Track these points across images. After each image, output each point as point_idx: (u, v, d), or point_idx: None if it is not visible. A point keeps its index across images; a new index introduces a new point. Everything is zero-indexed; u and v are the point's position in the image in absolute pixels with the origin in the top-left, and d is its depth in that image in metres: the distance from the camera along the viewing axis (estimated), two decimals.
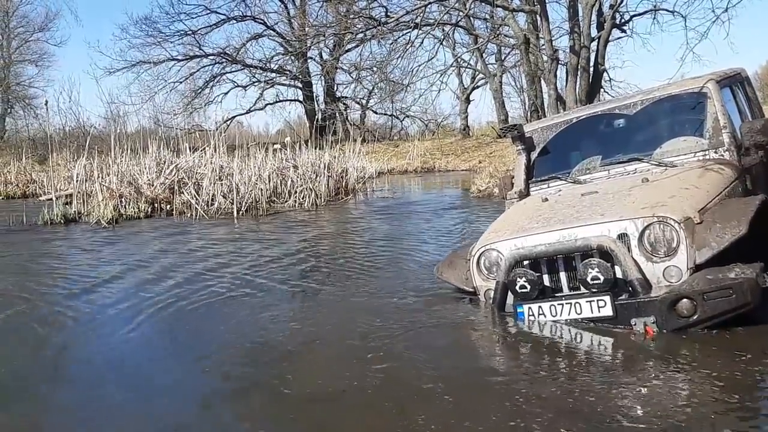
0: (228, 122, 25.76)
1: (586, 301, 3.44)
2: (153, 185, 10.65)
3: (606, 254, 3.39)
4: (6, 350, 3.93)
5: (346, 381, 3.05)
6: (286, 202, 11.21)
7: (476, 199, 11.36)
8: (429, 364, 3.19)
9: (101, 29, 55.41)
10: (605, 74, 15.67)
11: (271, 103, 28.81)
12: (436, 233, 7.65)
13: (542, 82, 16.18)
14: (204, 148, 11.59)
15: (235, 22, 26.99)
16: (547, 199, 4.23)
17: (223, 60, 27.14)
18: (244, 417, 2.79)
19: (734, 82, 4.84)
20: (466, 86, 28.07)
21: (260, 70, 27.89)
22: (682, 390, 2.68)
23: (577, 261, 3.50)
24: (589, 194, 4.02)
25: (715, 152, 4.17)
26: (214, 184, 10.58)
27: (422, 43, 15.75)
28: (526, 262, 3.62)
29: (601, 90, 15.35)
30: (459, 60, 24.61)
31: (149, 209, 10.26)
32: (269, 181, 11.26)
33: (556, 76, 14.14)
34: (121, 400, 3.08)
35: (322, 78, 28.20)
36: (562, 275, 3.58)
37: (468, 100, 28.07)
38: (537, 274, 3.57)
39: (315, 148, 14.02)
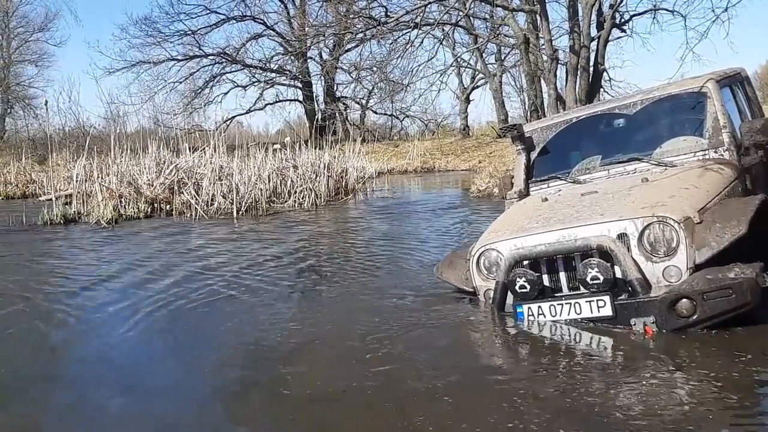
0: (228, 122, 25.77)
1: (586, 301, 3.44)
2: (153, 185, 10.64)
3: (606, 254, 3.39)
4: (6, 349, 3.93)
5: (345, 381, 3.05)
6: (285, 202, 11.21)
7: (476, 199, 11.36)
8: (429, 364, 3.19)
9: (101, 29, 55.47)
10: (605, 74, 15.68)
11: (270, 103, 28.85)
12: (435, 233, 7.65)
13: (542, 81, 16.18)
14: (204, 148, 11.59)
15: (234, 22, 27.04)
16: (546, 199, 4.23)
17: (223, 60, 27.15)
18: (243, 417, 2.79)
19: (734, 81, 4.84)
20: (466, 86, 28.07)
21: (260, 70, 27.90)
22: (681, 390, 2.68)
23: (576, 261, 3.50)
24: (588, 194, 4.02)
25: (715, 152, 4.17)
26: (214, 184, 10.58)
27: (422, 43, 15.78)
28: (525, 262, 3.62)
29: (601, 90, 15.35)
30: (459, 60, 24.62)
31: (149, 209, 10.26)
32: (269, 181, 11.26)
33: (555, 75, 14.15)
34: (120, 399, 3.09)
35: (322, 78, 28.23)
36: (562, 275, 3.58)
37: (468, 100, 28.07)
38: (537, 274, 3.57)
39: (315, 148, 14.02)
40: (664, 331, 3.24)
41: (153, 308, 4.66)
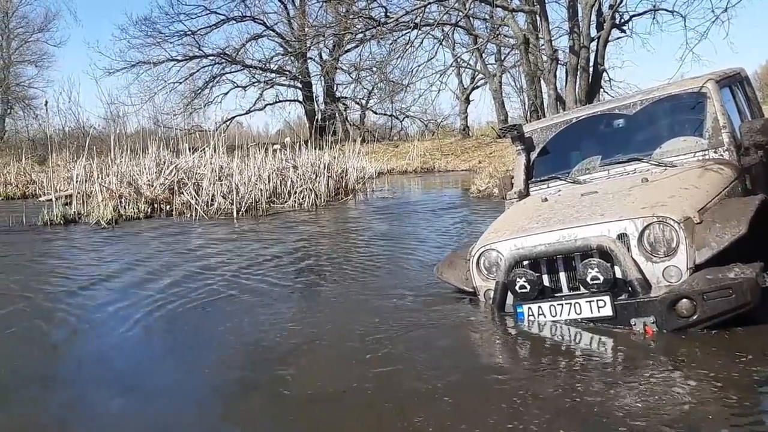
0: (228, 122, 25.75)
1: (586, 301, 3.44)
2: (153, 186, 10.64)
3: (606, 254, 3.39)
4: (7, 349, 3.94)
5: (345, 381, 3.05)
6: (285, 202, 11.21)
7: (476, 199, 11.36)
8: (429, 364, 3.19)
9: (101, 30, 55.47)
10: (605, 74, 15.70)
11: (270, 104, 28.85)
12: (435, 233, 7.66)
13: (542, 82, 16.19)
14: (204, 149, 11.60)
15: (234, 22, 27.05)
16: (546, 199, 4.23)
17: (223, 60, 27.15)
18: (243, 417, 2.79)
19: (734, 81, 4.84)
20: (465, 86, 28.06)
21: (260, 70, 27.91)
22: (681, 390, 2.68)
23: (576, 261, 3.50)
24: (588, 194, 4.02)
25: (715, 152, 4.17)
26: (214, 184, 10.58)
27: (422, 43, 15.79)
28: (525, 262, 3.62)
29: (601, 90, 15.36)
30: (459, 60, 24.61)
31: (149, 210, 10.26)
32: (269, 182, 11.26)
33: (555, 76, 14.16)
34: (120, 399, 3.09)
35: (322, 78, 28.24)
36: (562, 275, 3.58)
37: (468, 100, 28.07)
38: (537, 274, 3.57)
39: (315, 149, 14.02)
40: (664, 331, 3.24)
41: (153, 308, 4.66)
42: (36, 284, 5.59)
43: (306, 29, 22.31)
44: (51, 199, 10.30)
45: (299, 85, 28.59)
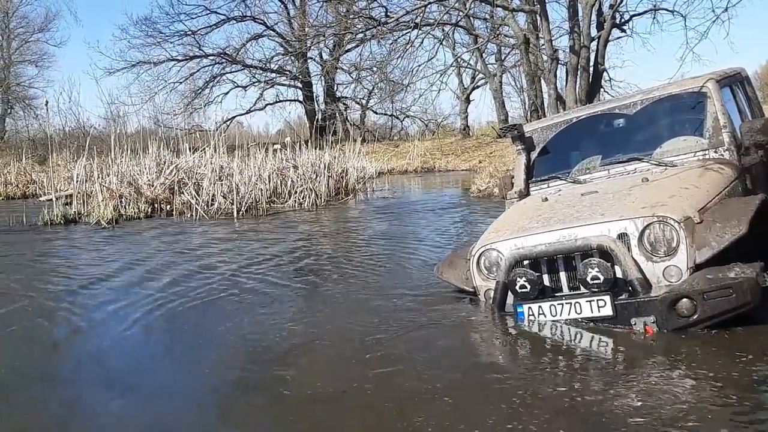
0: (228, 122, 25.78)
1: (586, 301, 3.44)
2: (153, 185, 10.65)
3: (606, 254, 3.39)
4: (8, 347, 3.94)
5: (345, 381, 3.05)
6: (286, 202, 11.22)
7: (476, 199, 11.36)
8: (429, 365, 3.19)
9: (101, 29, 55.45)
10: (605, 74, 15.68)
11: (271, 104, 28.86)
12: (435, 233, 7.66)
13: (542, 82, 16.18)
14: (204, 149, 11.60)
15: (235, 22, 27.06)
16: (547, 199, 4.23)
17: (223, 60, 27.16)
18: (243, 417, 2.79)
19: (734, 81, 4.84)
20: (466, 86, 28.08)
21: (260, 70, 27.92)
22: (681, 389, 2.68)
23: (577, 261, 3.50)
24: (589, 194, 4.02)
25: (715, 152, 4.17)
26: (214, 184, 10.59)
27: (422, 43, 15.78)
28: (526, 262, 3.62)
29: (601, 90, 15.35)
30: (459, 60, 24.62)
31: (149, 209, 10.26)
32: (269, 182, 11.26)
33: (556, 76, 14.15)
34: (121, 399, 3.09)
35: (322, 78, 28.25)
36: (562, 275, 3.58)
37: (468, 100, 28.08)
38: (537, 274, 3.57)
39: (315, 148, 14.02)
40: (665, 330, 3.24)
41: (153, 307, 4.66)
42: (37, 283, 5.59)
43: (306, 29, 22.31)
44: (51, 199, 10.31)
45: (299, 85, 28.60)
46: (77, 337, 4.20)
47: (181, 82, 26.84)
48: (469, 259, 4.02)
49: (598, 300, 3.40)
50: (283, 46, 27.54)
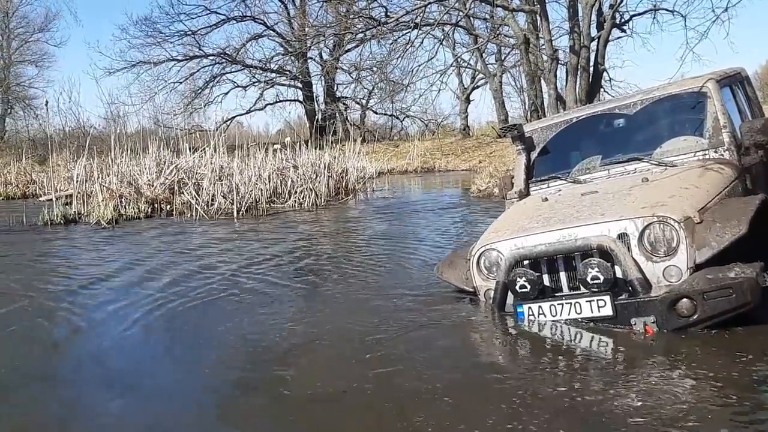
0: (228, 122, 25.78)
1: (586, 301, 3.44)
2: (153, 185, 10.65)
3: (606, 254, 3.39)
4: (8, 347, 3.94)
5: (346, 381, 3.05)
6: (286, 202, 11.22)
7: (476, 199, 11.36)
8: (429, 364, 3.18)
9: (101, 29, 55.45)
10: (605, 74, 15.68)
11: (271, 103, 28.86)
12: (435, 233, 7.66)
13: (542, 82, 16.18)
14: (204, 149, 11.60)
15: (235, 22, 27.07)
16: (547, 199, 4.23)
17: (223, 60, 27.16)
18: (243, 417, 2.79)
19: (734, 81, 4.84)
20: (466, 86, 28.08)
21: (260, 70, 27.92)
22: (681, 389, 2.67)
23: (577, 261, 3.50)
24: (589, 194, 4.02)
25: (715, 152, 4.17)
26: (214, 184, 10.59)
27: (422, 43, 15.78)
28: (526, 262, 3.62)
29: (601, 90, 15.35)
30: (459, 60, 24.62)
31: (149, 209, 10.26)
32: (269, 182, 11.27)
33: (556, 75, 14.15)
34: (121, 399, 3.09)
35: (322, 78, 28.25)
36: (562, 275, 3.58)
37: (468, 100, 28.08)
38: (537, 274, 3.57)
39: (315, 148, 14.02)
40: (665, 330, 3.24)
41: (153, 307, 4.66)
42: (37, 283, 5.59)
43: (306, 29, 22.31)
44: (51, 199, 10.31)
45: (299, 85, 28.60)
46: (77, 337, 4.20)
47: (181, 82, 26.90)
48: (469, 259, 4.02)
49: (598, 300, 3.40)
50: (283, 46, 27.55)
